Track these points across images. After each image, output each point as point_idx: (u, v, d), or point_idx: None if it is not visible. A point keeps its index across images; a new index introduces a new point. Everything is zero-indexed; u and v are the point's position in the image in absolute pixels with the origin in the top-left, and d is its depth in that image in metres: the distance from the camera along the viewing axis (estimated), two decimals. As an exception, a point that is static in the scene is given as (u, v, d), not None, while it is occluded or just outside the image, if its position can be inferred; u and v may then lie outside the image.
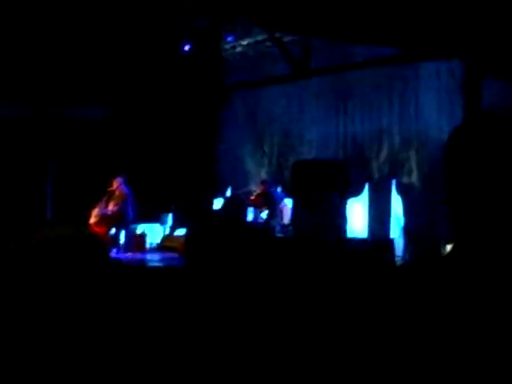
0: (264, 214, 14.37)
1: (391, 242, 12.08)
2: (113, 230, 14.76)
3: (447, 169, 1.46)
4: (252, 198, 14.69)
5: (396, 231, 13.66)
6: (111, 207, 14.46)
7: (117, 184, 14.36)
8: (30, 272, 1.96)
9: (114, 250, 14.28)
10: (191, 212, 14.84)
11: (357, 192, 14.40)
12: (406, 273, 1.58)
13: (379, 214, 14.04)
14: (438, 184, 13.68)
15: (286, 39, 14.53)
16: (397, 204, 13.97)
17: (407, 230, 13.44)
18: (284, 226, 14.22)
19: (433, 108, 13.70)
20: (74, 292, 1.97)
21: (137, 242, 15.04)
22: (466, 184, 1.43)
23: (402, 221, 13.73)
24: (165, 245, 15.15)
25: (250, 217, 15.08)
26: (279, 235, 13.80)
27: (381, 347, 1.46)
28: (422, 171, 13.77)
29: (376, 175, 14.55)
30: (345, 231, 12.39)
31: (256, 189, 15.13)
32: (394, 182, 14.14)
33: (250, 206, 14.75)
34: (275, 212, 14.40)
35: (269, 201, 14.45)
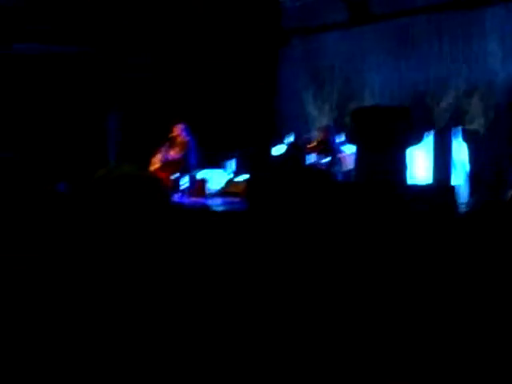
0: (325, 161, 14.32)
1: (454, 188, 11.93)
2: (175, 176, 14.92)
3: None
4: (312, 144, 14.64)
5: (461, 178, 13.50)
6: (173, 153, 14.60)
7: (178, 131, 14.46)
8: (90, 207, 1.98)
9: (177, 195, 14.45)
10: (253, 158, 14.89)
11: (420, 139, 14.22)
12: (468, 219, 1.57)
13: (443, 162, 13.86)
14: (504, 130, 13.47)
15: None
16: (461, 151, 13.78)
17: (472, 177, 13.27)
18: (346, 173, 14.15)
19: (498, 53, 13.39)
20: (134, 229, 1.98)
21: (199, 187, 15.16)
22: None
23: (467, 168, 13.56)
24: (227, 190, 15.24)
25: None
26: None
27: (443, 291, 1.45)
28: (488, 118, 13.54)
29: (439, 122, 14.36)
30: (407, 177, 12.28)
31: (317, 135, 15.06)
32: (458, 128, 13.93)
33: (311, 152, 14.71)
34: (336, 159, 14.33)
35: (329, 148, 14.37)
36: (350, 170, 13.87)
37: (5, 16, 14.41)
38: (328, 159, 14.24)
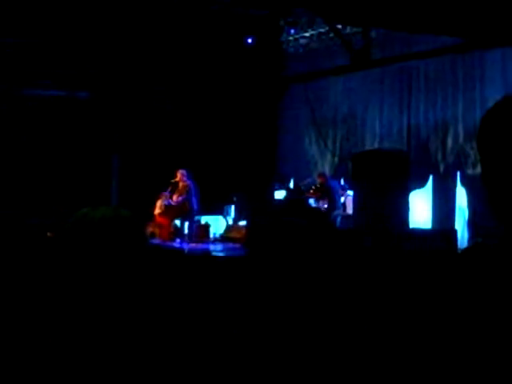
0: (324, 206, 14.38)
1: (454, 232, 11.92)
2: (177, 221, 15.01)
3: (481, 149, 1.47)
4: (311, 191, 14.73)
5: (460, 223, 13.49)
6: (175, 198, 14.69)
7: (180, 176, 14.56)
8: (65, 251, 2.02)
9: (178, 240, 14.52)
10: (253, 203, 14.93)
11: (421, 183, 14.24)
12: (457, 261, 1.58)
13: (443, 206, 13.86)
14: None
15: (346, 31, 14.53)
16: (461, 196, 13.78)
17: (472, 222, 13.24)
18: (345, 217, 14.17)
19: (498, 96, 13.35)
20: (107, 271, 2.00)
21: (200, 232, 15.24)
22: (500, 163, 1.43)
23: (466, 213, 13.54)
24: (228, 235, 15.31)
25: (311, 208, 15.09)
26: (340, 226, 13.81)
27: (436, 334, 1.47)
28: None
29: (441, 167, 14.36)
30: (407, 222, 12.26)
31: (315, 181, 15.16)
32: (458, 173, 13.94)
33: (311, 197, 14.78)
34: (335, 204, 14.37)
35: (328, 193, 14.44)
36: (350, 215, 13.91)
37: (16, 61, 14.66)
38: (327, 204, 14.29)
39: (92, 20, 14.03)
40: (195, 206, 14.53)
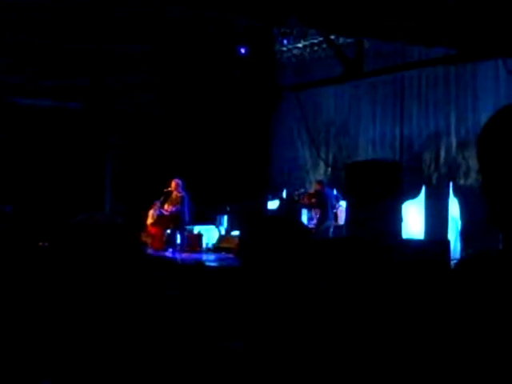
0: (317, 216, 14.37)
1: (447, 243, 11.92)
2: (169, 231, 14.98)
3: (481, 157, 1.47)
4: (305, 197, 14.70)
5: (453, 234, 13.49)
6: (168, 208, 14.65)
7: (175, 186, 14.51)
8: (61, 258, 2.01)
9: (170, 250, 14.49)
10: (246, 213, 14.93)
11: (414, 194, 14.25)
12: (454, 273, 1.57)
13: (436, 217, 13.86)
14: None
15: (339, 41, 14.57)
16: (454, 206, 13.78)
17: (464, 233, 13.25)
18: (338, 227, 14.17)
19: (490, 107, 13.46)
20: (102, 277, 1.99)
21: (193, 242, 15.22)
22: (500, 171, 1.43)
23: (459, 223, 13.54)
24: (220, 245, 15.30)
25: (304, 218, 15.09)
26: (332, 236, 13.81)
27: (431, 346, 1.45)
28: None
29: (433, 177, 14.37)
30: (400, 232, 12.27)
31: (311, 189, 15.13)
32: (451, 184, 13.95)
33: (304, 207, 14.75)
34: (327, 214, 14.34)
35: (322, 201, 14.40)
36: (342, 226, 13.91)
37: (9, 71, 14.65)
38: (319, 213, 14.28)
39: (84, 31, 14.02)
40: (187, 217, 14.50)
